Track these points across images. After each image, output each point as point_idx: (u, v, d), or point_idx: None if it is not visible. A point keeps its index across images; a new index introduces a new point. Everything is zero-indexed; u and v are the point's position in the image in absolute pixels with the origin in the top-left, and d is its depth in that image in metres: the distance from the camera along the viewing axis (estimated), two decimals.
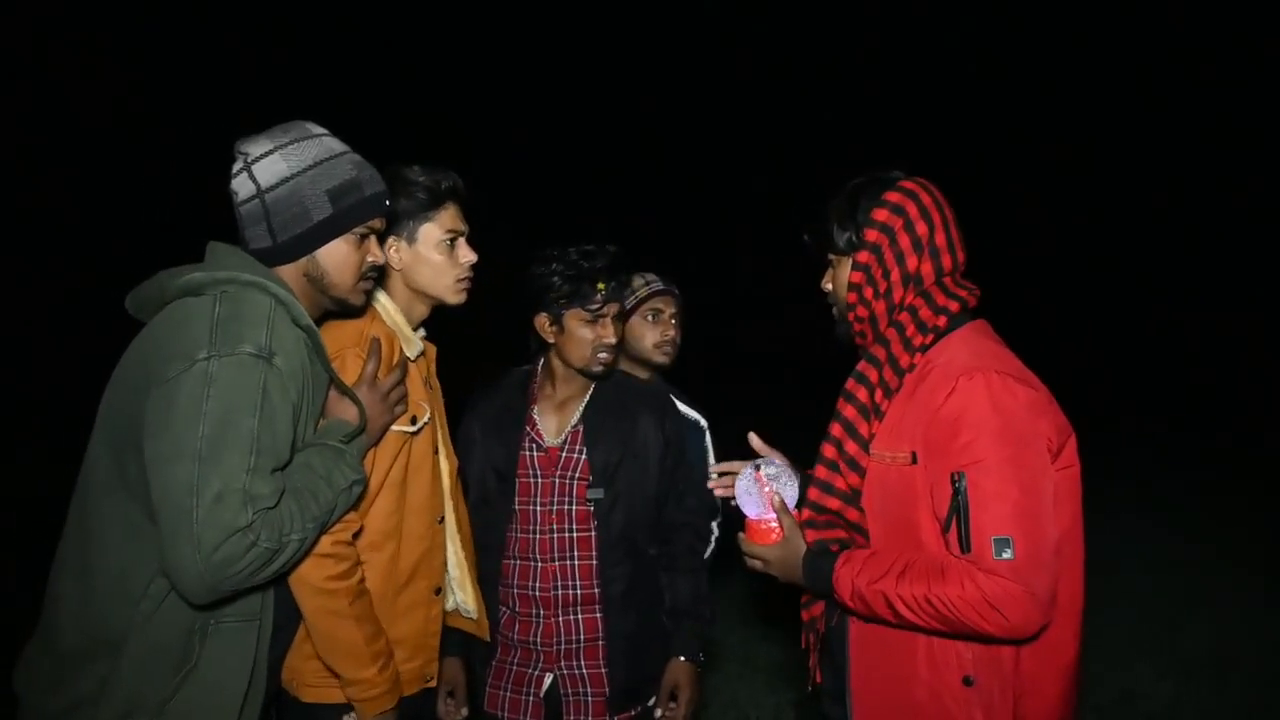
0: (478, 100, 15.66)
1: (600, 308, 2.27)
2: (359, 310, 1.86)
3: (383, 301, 2.01)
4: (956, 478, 1.58)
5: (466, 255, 2.05)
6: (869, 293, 1.78)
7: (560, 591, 2.30)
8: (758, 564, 1.87)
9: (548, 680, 2.32)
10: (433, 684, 2.08)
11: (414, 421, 1.96)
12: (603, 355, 2.30)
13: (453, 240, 2.03)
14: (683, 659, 2.36)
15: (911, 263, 1.74)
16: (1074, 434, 1.71)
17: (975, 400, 1.59)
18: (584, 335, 2.29)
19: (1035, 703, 1.67)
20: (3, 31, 11.37)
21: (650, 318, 2.75)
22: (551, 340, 2.34)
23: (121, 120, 12.94)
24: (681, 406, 2.82)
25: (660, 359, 2.75)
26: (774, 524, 1.84)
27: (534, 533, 2.32)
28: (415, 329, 2.07)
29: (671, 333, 2.76)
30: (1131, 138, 16.09)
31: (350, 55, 14.61)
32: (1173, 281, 15.01)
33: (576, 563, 2.31)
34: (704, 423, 2.85)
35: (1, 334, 10.42)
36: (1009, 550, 1.53)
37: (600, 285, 2.26)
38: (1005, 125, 16.05)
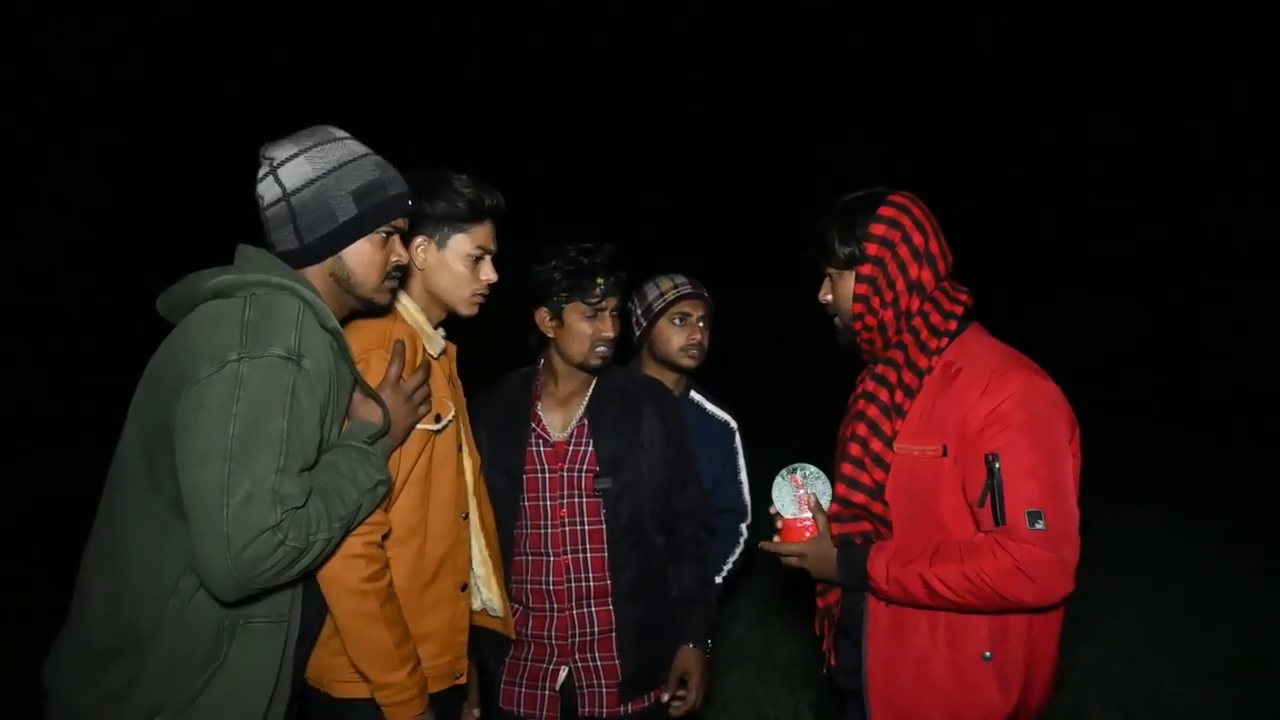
0: (487, 101, 15.67)
1: (599, 301, 2.34)
2: (385, 310, 1.91)
3: (404, 302, 2.05)
4: (991, 459, 1.75)
5: (488, 274, 2.11)
6: (876, 303, 1.93)
7: (573, 584, 2.35)
8: (794, 560, 2.04)
9: (563, 673, 2.37)
10: (462, 681, 2.11)
11: (438, 419, 2.00)
12: (600, 349, 2.37)
13: (479, 257, 2.08)
14: (691, 646, 2.42)
15: (914, 271, 1.90)
16: (1078, 427, 1.87)
17: (1009, 394, 1.78)
18: (583, 329, 2.35)
19: (1040, 669, 1.86)
20: (6, 32, 11.40)
21: (678, 321, 2.78)
22: (551, 335, 2.40)
23: (124, 118, 12.96)
24: (710, 406, 2.89)
25: (686, 362, 2.78)
26: (809, 523, 2.02)
27: (545, 528, 2.37)
28: (435, 328, 2.12)
29: (698, 337, 2.79)
30: (1131, 135, 16.06)
31: (354, 56, 14.62)
32: (1198, 280, 14.97)
33: (588, 555, 2.36)
34: (733, 423, 2.90)
35: (14, 335, 10.46)
36: (1041, 522, 1.70)
37: (599, 280, 2.33)
38: (1008, 123, 16.02)
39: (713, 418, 2.88)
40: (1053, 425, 1.79)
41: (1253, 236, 14.66)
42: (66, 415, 9.57)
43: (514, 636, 2.32)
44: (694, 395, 2.90)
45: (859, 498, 1.92)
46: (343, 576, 1.75)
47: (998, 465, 1.74)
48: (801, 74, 16.94)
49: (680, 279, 2.84)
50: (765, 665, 4.47)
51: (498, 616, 2.24)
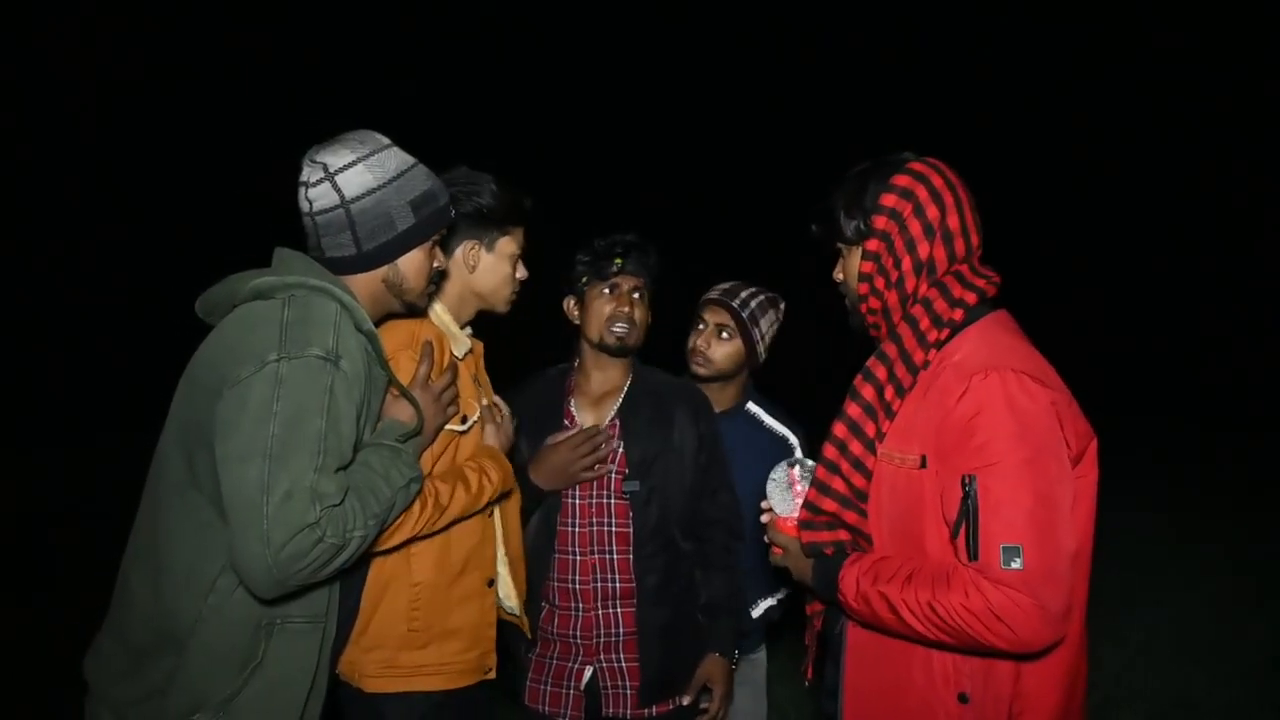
0: (486, 102, 15.64)
1: (615, 277, 2.38)
2: (423, 312, 1.98)
3: (433, 304, 2.10)
4: (967, 481, 1.52)
5: (523, 272, 2.20)
6: (880, 282, 1.73)
7: (599, 585, 2.36)
8: (779, 552, 1.90)
9: (588, 673, 2.38)
10: (491, 675, 2.13)
11: (464, 420, 2.05)
12: (618, 328, 2.38)
13: (520, 257, 2.18)
14: (718, 655, 2.41)
15: (923, 249, 1.69)
16: (1095, 439, 1.66)
17: (991, 400, 1.53)
18: (601, 308, 2.39)
19: (1031, 717, 1.62)
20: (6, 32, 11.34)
21: (699, 326, 2.71)
22: (577, 321, 2.45)
23: (124, 118, 12.89)
24: (767, 419, 2.75)
25: (694, 369, 2.69)
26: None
27: (572, 526, 2.38)
28: (462, 327, 2.17)
29: (703, 345, 2.68)
30: (1133, 133, 16.03)
31: (352, 56, 14.59)
32: (1213, 277, 14.90)
33: (614, 557, 2.36)
34: (792, 438, 2.73)
35: (13, 336, 10.37)
36: (1018, 560, 1.47)
37: (617, 259, 2.37)
38: (1009, 122, 15.98)
39: (768, 432, 2.73)
40: (1045, 440, 1.52)
41: (1258, 235, 14.62)
42: (66, 416, 9.51)
43: (529, 636, 2.31)
44: (750, 407, 2.77)
45: (829, 504, 1.72)
46: (403, 535, 1.83)
47: (974, 489, 1.51)
48: (802, 73, 16.88)
49: (725, 285, 2.73)
50: (788, 667, 4.37)
51: (513, 614, 2.24)
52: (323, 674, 1.76)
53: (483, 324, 2.24)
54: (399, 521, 1.79)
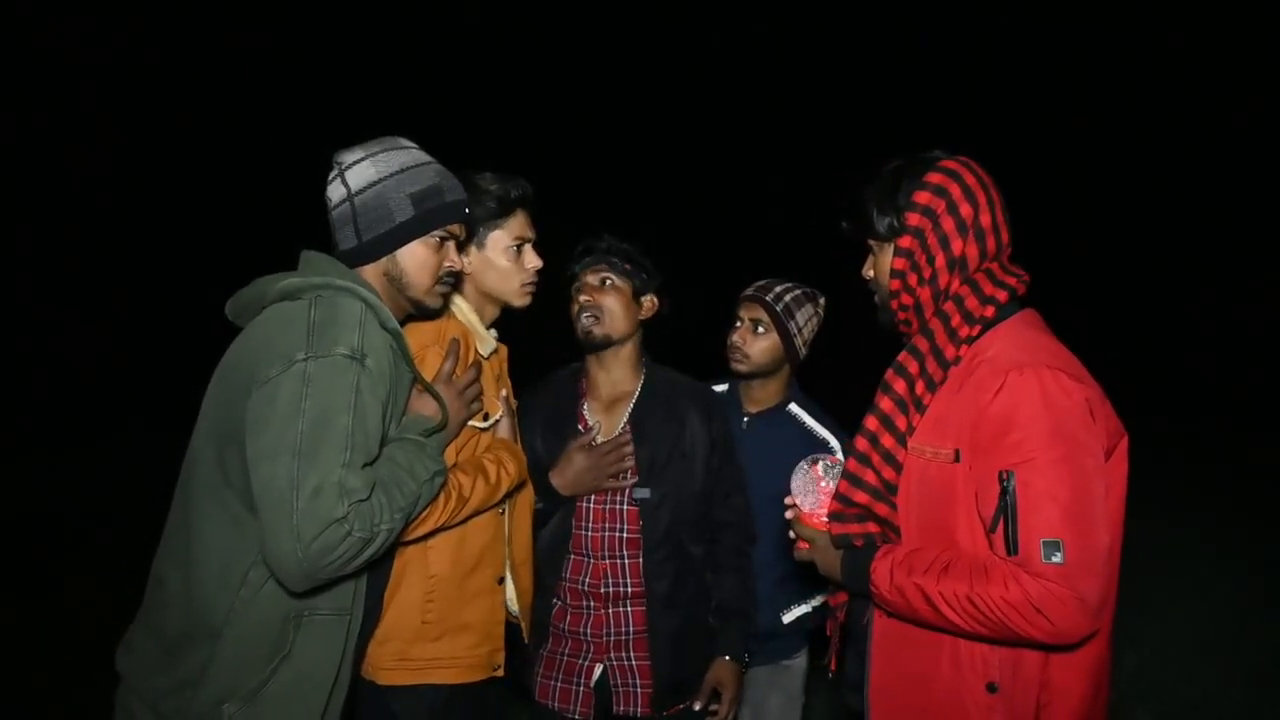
0: (485, 102, 15.63)
1: (579, 278, 2.44)
2: (436, 313, 2.01)
3: (458, 302, 2.15)
4: (1005, 477, 1.56)
5: (532, 261, 2.20)
6: (913, 279, 1.75)
7: (610, 588, 2.39)
8: (804, 546, 1.92)
9: (597, 671, 2.40)
10: (500, 673, 2.17)
11: (486, 418, 2.09)
12: (584, 318, 2.41)
13: (520, 246, 2.18)
14: (727, 658, 2.43)
15: (956, 246, 1.72)
16: (1126, 436, 1.69)
17: (1027, 397, 1.57)
18: (572, 308, 2.44)
19: (1059, 709, 1.66)
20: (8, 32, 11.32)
21: (736, 323, 2.74)
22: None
23: (121, 114, 12.87)
24: (809, 421, 2.74)
25: (733, 365, 2.73)
26: (826, 516, 1.88)
27: (586, 529, 2.40)
28: (488, 328, 2.21)
29: (736, 340, 2.71)
30: (1135, 133, 16.00)
31: (351, 56, 14.57)
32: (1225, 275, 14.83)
33: (626, 561, 2.38)
34: (834, 442, 2.71)
35: (13, 337, 10.35)
36: (1059, 554, 1.51)
37: (578, 264, 2.44)
38: (1013, 116, 15.96)
39: (809, 433, 2.71)
40: (1081, 436, 1.55)
41: (1260, 234, 14.57)
42: (65, 416, 9.49)
43: (525, 640, 2.33)
44: (792, 407, 2.77)
45: (860, 497, 1.75)
46: (428, 527, 1.88)
47: (1012, 484, 1.54)
48: (802, 72, 16.86)
49: (760, 282, 2.77)
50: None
51: (514, 616, 2.26)
52: (347, 667, 1.81)
53: (499, 324, 2.26)
54: (424, 514, 1.84)
